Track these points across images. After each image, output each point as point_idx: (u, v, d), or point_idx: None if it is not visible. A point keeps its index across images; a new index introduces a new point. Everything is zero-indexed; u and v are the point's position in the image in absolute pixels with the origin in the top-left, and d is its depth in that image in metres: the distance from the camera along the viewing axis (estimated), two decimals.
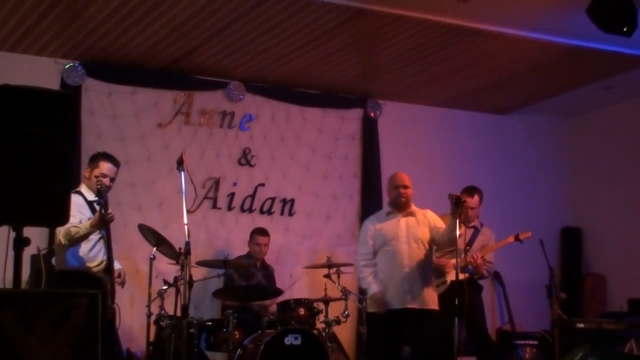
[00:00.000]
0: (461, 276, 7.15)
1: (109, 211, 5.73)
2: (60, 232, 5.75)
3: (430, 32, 7.34)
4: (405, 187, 6.46)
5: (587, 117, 10.31)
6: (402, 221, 6.46)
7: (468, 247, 7.02)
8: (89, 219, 5.84)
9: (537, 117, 10.25)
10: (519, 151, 10.19)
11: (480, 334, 7.30)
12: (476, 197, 7.32)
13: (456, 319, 5.93)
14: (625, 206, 9.74)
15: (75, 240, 5.79)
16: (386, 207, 6.69)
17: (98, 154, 6.23)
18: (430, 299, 6.41)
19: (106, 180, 5.92)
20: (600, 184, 10.14)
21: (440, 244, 6.51)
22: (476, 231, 7.31)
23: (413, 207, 6.53)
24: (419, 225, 6.45)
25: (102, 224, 5.73)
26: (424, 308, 6.34)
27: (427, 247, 6.45)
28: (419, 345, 6.40)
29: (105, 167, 6.01)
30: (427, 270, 6.45)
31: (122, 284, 6.17)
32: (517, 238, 7.25)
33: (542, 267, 7.94)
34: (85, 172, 6.18)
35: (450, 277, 6.89)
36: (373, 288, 6.38)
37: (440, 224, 6.43)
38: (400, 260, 6.37)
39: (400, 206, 6.49)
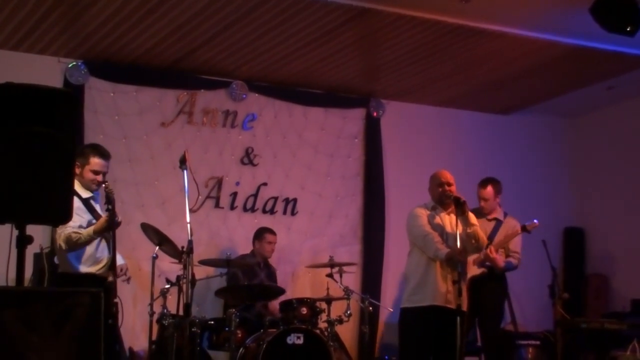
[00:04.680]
0: (477, 271, 7.18)
1: (117, 217, 5.52)
2: (60, 236, 5.54)
3: (432, 32, 7.33)
4: (450, 184, 6.43)
5: (589, 117, 10.30)
6: (446, 218, 6.46)
7: (489, 242, 6.98)
8: (88, 220, 5.68)
9: (539, 117, 10.24)
10: (521, 151, 10.18)
11: (488, 334, 7.28)
12: (489, 188, 7.32)
13: (457, 318, 5.93)
14: (628, 206, 9.73)
15: (76, 247, 5.61)
16: (430, 201, 6.60)
17: (87, 147, 5.94)
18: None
19: (100, 177, 5.72)
20: (603, 183, 10.13)
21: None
22: (498, 223, 7.27)
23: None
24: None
25: (108, 229, 5.50)
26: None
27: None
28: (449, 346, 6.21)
29: (96, 163, 5.73)
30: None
31: (127, 279, 6.07)
32: (524, 229, 7.19)
33: (545, 267, 7.93)
34: (75, 168, 5.80)
35: (470, 272, 6.92)
36: (444, 250, 6.24)
37: (474, 221, 6.42)
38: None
39: (445, 204, 6.47)
